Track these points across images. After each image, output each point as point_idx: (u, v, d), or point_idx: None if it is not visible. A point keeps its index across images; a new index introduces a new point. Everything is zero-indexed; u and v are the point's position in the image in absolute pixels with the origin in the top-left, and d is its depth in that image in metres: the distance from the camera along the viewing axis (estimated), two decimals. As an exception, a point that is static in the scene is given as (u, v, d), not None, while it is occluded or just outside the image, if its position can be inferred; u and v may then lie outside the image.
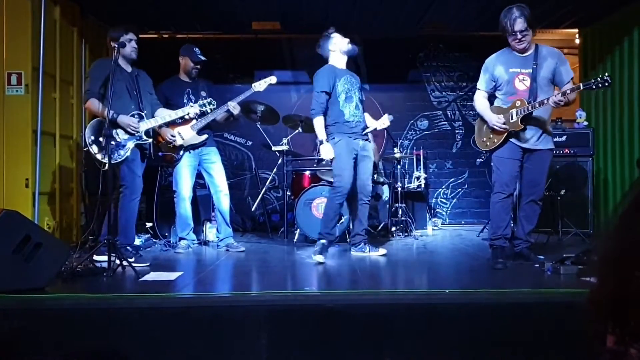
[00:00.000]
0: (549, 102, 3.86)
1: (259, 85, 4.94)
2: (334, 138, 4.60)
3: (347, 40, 4.71)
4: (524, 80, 4.04)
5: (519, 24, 3.91)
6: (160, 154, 5.02)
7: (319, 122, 4.63)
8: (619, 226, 1.00)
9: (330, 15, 6.27)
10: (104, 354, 2.77)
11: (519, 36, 3.94)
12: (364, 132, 4.75)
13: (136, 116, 4.42)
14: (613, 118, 6.22)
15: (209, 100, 4.78)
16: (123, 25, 4.52)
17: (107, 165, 4.01)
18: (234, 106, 4.93)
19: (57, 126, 5.34)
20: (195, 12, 6.24)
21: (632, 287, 0.93)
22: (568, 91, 3.85)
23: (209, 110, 4.83)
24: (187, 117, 4.82)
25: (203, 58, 5.08)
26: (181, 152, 4.99)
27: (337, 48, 4.70)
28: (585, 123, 6.26)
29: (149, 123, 4.47)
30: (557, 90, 4.00)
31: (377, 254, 4.64)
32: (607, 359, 0.99)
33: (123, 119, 4.30)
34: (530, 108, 3.93)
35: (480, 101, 4.23)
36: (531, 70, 4.02)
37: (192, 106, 4.74)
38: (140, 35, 4.75)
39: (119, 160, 4.27)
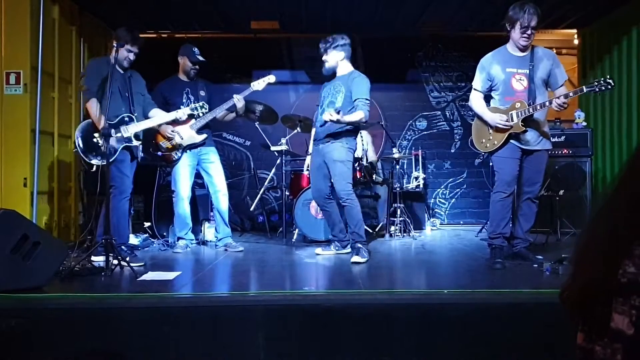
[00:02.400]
0: (552, 105, 3.87)
1: (258, 84, 4.95)
2: None
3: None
4: (521, 80, 4.04)
5: (535, 21, 3.92)
6: (159, 153, 5.02)
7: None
8: (585, 230, 1.05)
9: (329, 14, 6.27)
10: (102, 353, 2.77)
11: (529, 32, 3.94)
12: (327, 134, 4.59)
13: (126, 118, 4.43)
14: (612, 118, 6.23)
15: (201, 104, 4.76)
16: (133, 33, 4.49)
17: (94, 167, 4.21)
18: (239, 99, 4.93)
19: (56, 125, 5.33)
20: (194, 12, 6.24)
21: (598, 286, 0.95)
22: (571, 94, 3.86)
23: (200, 114, 4.83)
24: (179, 119, 4.80)
25: (202, 59, 5.07)
26: (180, 152, 4.98)
27: None
28: (584, 123, 6.26)
29: (137, 126, 4.47)
30: (553, 93, 4.02)
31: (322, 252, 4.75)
32: (577, 355, 1.02)
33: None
34: (531, 110, 3.93)
35: (477, 102, 4.22)
36: (528, 71, 4.02)
37: (182, 109, 4.74)
38: (139, 35, 4.73)
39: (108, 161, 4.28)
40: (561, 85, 4.04)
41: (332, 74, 4.74)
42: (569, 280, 1.05)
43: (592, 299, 0.97)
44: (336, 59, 4.66)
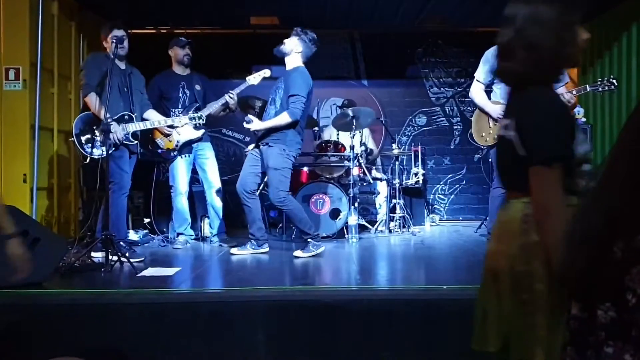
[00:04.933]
0: None
1: (254, 79, 4.94)
2: None
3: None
4: None
5: None
6: (159, 151, 5.02)
7: None
8: (586, 206, 1.07)
9: (328, 10, 6.26)
10: (102, 349, 2.78)
11: None
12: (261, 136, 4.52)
13: (126, 116, 4.41)
14: (611, 114, 6.23)
15: (199, 114, 4.73)
16: (110, 22, 4.49)
17: (88, 159, 4.24)
18: (231, 96, 4.93)
19: (55, 121, 5.33)
20: (193, 7, 6.22)
21: (608, 258, 0.96)
22: (574, 92, 3.89)
23: (198, 124, 4.82)
24: (176, 124, 4.77)
25: (189, 39, 5.11)
26: (178, 148, 4.98)
27: None
28: (583, 119, 6.26)
29: (136, 126, 4.46)
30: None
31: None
32: (572, 325, 1.03)
33: (115, 127, 4.26)
34: None
35: (478, 93, 4.21)
36: None
37: (181, 118, 4.74)
38: (138, 31, 4.73)
39: (102, 156, 4.28)
40: (561, 87, 4.05)
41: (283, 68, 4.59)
42: (571, 259, 1.05)
43: (601, 271, 0.98)
44: (292, 46, 4.52)
